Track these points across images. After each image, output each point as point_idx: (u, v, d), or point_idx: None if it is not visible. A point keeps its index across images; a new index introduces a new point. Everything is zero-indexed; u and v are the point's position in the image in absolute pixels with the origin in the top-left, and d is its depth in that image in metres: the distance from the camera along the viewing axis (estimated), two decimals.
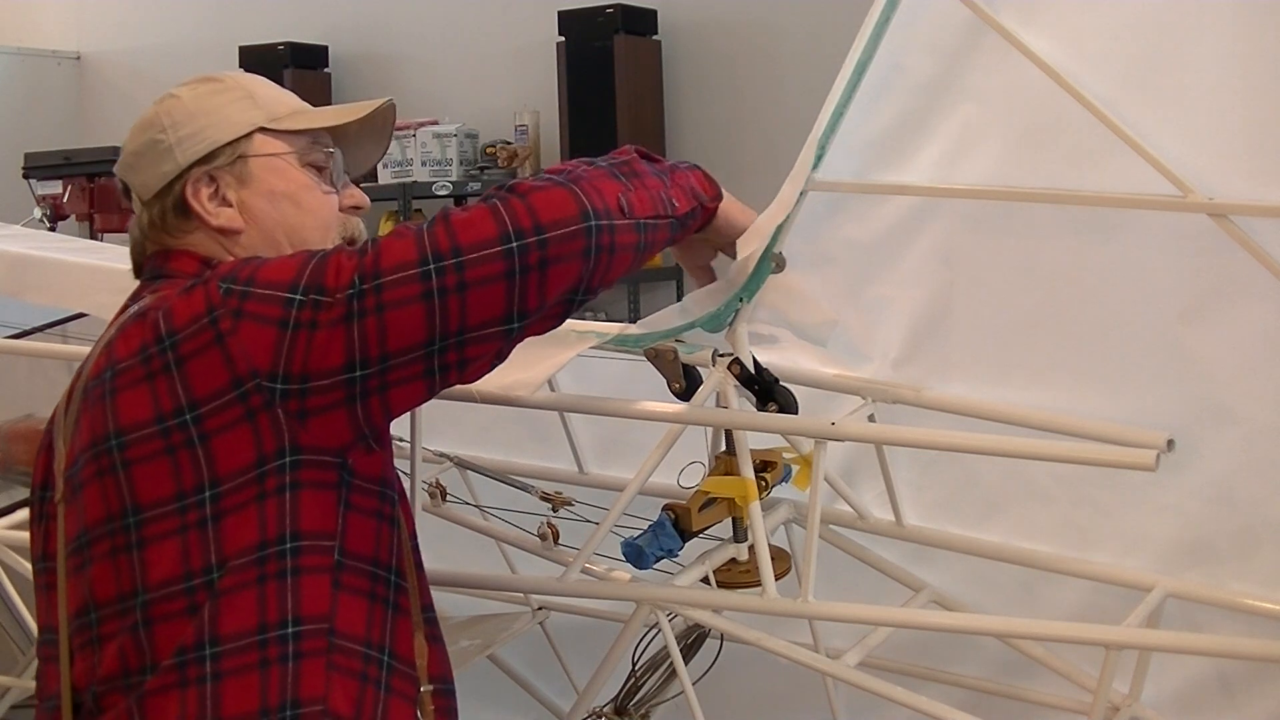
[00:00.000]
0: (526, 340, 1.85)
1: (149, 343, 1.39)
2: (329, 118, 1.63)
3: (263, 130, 1.58)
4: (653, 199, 1.54)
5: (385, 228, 5.80)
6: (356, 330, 1.36)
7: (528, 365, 1.83)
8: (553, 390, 2.00)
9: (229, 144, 1.56)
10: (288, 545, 1.37)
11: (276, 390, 1.36)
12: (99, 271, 2.32)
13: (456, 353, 1.41)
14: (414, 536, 1.53)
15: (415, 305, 1.36)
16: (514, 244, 1.38)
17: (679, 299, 4.35)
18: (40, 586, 1.51)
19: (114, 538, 1.38)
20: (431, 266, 1.37)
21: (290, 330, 1.36)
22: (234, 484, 1.36)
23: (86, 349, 2.45)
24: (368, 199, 1.67)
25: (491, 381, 1.81)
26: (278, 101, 1.62)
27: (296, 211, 1.59)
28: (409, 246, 1.38)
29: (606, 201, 1.46)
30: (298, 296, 1.37)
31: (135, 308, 1.47)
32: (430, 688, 1.48)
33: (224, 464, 1.36)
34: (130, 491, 1.37)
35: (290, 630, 1.37)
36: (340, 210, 1.62)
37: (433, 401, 1.86)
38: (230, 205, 1.56)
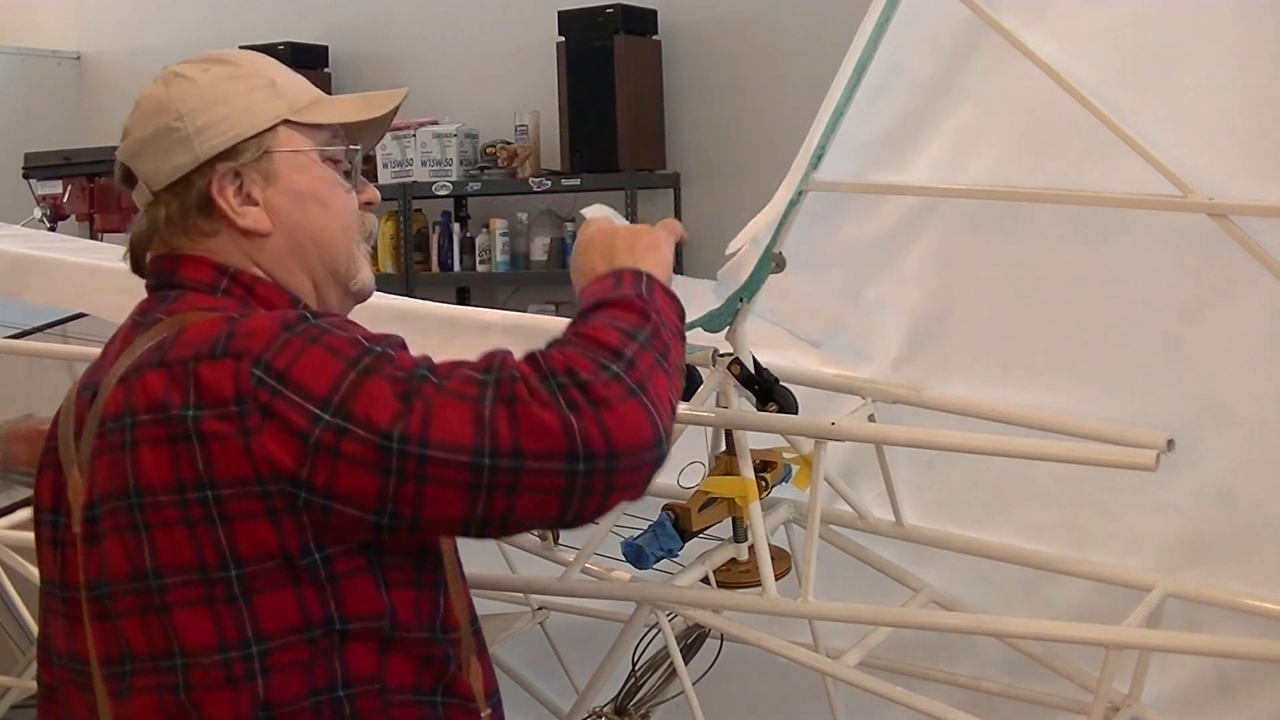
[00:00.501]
0: (526, 341, 1.85)
1: (172, 404, 1.31)
2: (350, 110, 1.54)
3: (286, 123, 1.48)
4: (680, 372, 1.42)
5: (385, 228, 5.80)
6: (392, 486, 1.26)
7: None
8: None
9: (253, 137, 1.46)
10: (336, 628, 1.32)
11: (300, 497, 1.28)
12: (99, 271, 2.32)
13: (497, 531, 1.35)
14: (455, 549, 1.48)
15: (460, 492, 1.26)
16: (580, 466, 1.26)
17: None
18: (58, 612, 1.44)
19: (141, 596, 1.32)
20: (486, 461, 1.25)
21: (313, 450, 1.27)
22: (260, 568, 1.30)
23: (86, 349, 2.47)
24: (379, 194, 1.60)
25: None
26: (298, 90, 1.52)
27: (322, 213, 1.50)
28: (466, 427, 1.25)
29: (665, 408, 1.33)
30: (325, 416, 1.27)
31: (155, 348, 1.36)
32: (488, 711, 1.45)
33: (246, 549, 1.29)
34: (152, 554, 1.31)
35: (342, 693, 1.34)
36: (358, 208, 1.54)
37: None
38: (256, 204, 1.46)
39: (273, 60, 1.54)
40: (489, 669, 1.48)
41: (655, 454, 1.30)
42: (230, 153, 1.45)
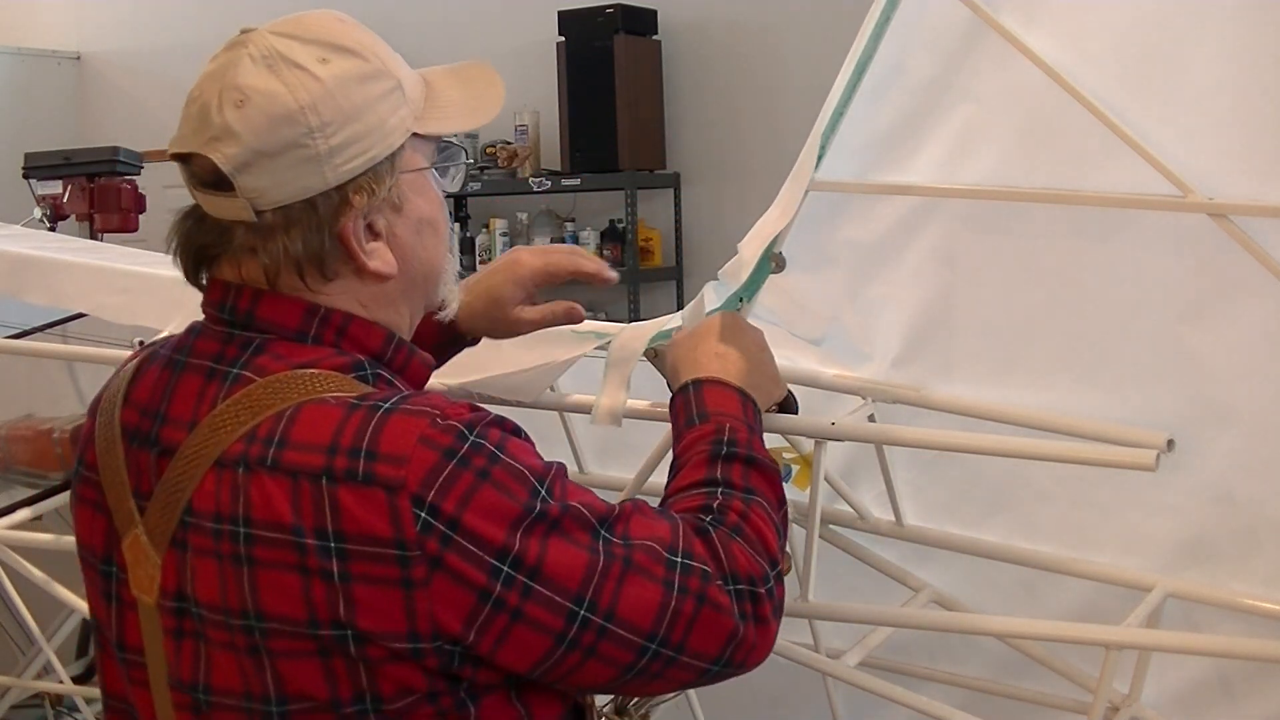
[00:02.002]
0: (528, 342, 1.85)
1: (304, 528, 1.16)
2: (465, 113, 1.35)
3: (412, 135, 1.29)
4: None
5: None
6: (559, 654, 1.20)
7: (530, 369, 1.83)
8: (553, 390, 2.00)
9: (386, 159, 1.26)
10: None
11: (456, 653, 1.19)
12: (99, 271, 2.32)
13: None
14: None
15: (615, 670, 1.23)
16: (716, 669, 1.29)
17: (679, 300, 4.34)
18: (115, 659, 1.34)
19: (255, 716, 1.22)
20: (652, 648, 1.23)
21: (490, 607, 1.17)
22: (402, 704, 1.20)
23: (86, 349, 2.46)
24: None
25: (495, 384, 1.82)
26: (412, 84, 1.30)
27: (435, 241, 1.34)
28: (650, 612, 1.22)
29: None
30: (505, 568, 1.17)
31: (259, 436, 1.20)
32: None
33: (387, 689, 1.19)
34: (276, 680, 1.20)
35: None
36: None
37: None
38: (379, 236, 1.28)
39: (372, 33, 1.31)
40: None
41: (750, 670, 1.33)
42: (364, 178, 1.25)
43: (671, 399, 1.52)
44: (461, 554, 1.16)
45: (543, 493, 1.21)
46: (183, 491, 1.23)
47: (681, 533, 1.27)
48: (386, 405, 1.21)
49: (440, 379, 1.84)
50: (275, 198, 1.23)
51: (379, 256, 1.27)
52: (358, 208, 1.25)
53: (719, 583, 1.26)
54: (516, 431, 1.27)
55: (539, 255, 1.66)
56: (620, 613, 1.21)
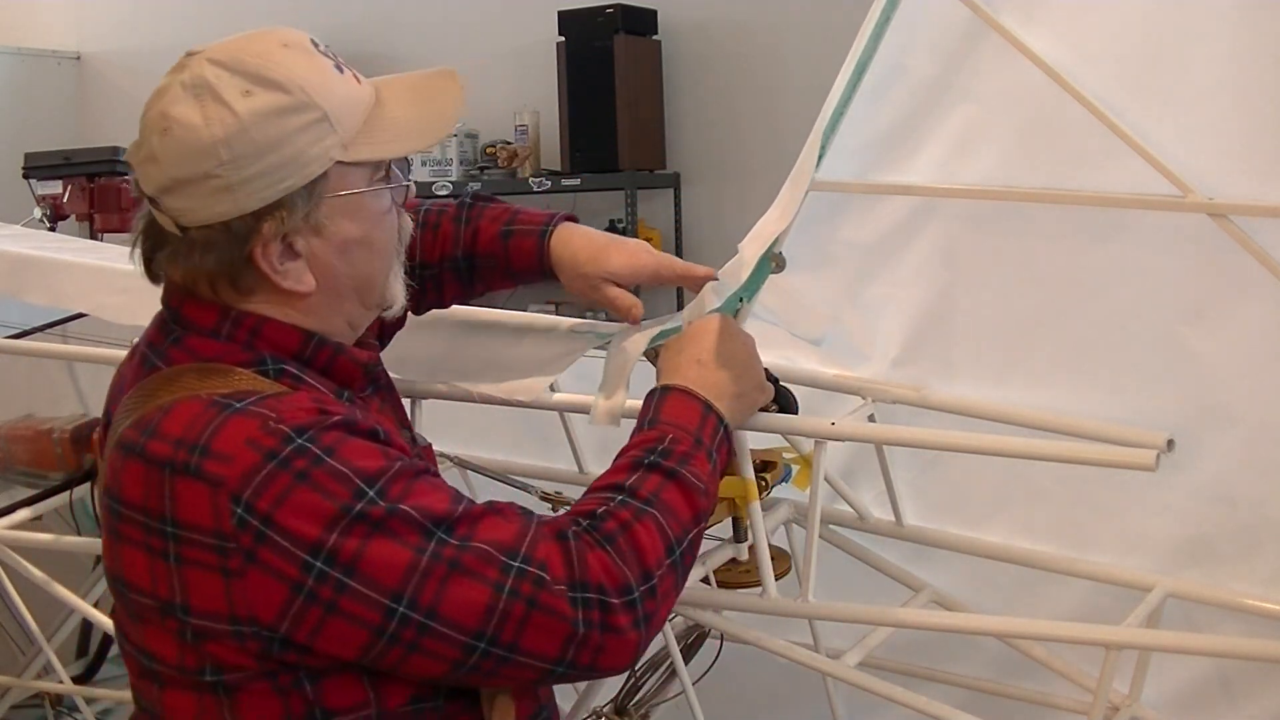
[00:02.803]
0: (527, 341, 1.85)
1: (150, 510, 1.27)
2: (411, 135, 1.39)
3: (339, 163, 1.34)
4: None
5: None
6: (380, 647, 1.26)
7: (530, 369, 1.83)
8: (553, 390, 2.00)
9: (304, 187, 1.32)
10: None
11: (275, 640, 1.26)
12: (99, 271, 2.32)
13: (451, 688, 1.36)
14: None
15: (443, 665, 1.27)
16: (558, 670, 1.30)
17: (679, 300, 4.33)
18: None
19: (139, 663, 1.37)
20: (481, 646, 1.27)
21: (303, 599, 1.24)
22: (239, 676, 1.29)
23: (86, 349, 2.47)
24: (412, 186, 1.47)
25: (493, 383, 1.82)
26: (348, 112, 1.34)
27: (368, 257, 1.40)
28: (476, 612, 1.26)
29: (658, 628, 1.38)
30: (318, 564, 1.23)
31: (144, 424, 1.30)
32: None
33: (226, 661, 1.28)
34: (144, 641, 1.34)
35: None
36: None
37: (433, 401, 1.87)
38: (298, 256, 1.35)
39: (314, 60, 1.35)
40: (526, 700, 1.44)
41: (618, 673, 1.37)
42: (278, 205, 1.32)
43: (644, 400, 1.56)
44: (274, 549, 1.23)
45: (370, 494, 1.25)
46: (104, 469, 1.36)
47: (530, 537, 1.30)
48: (237, 405, 1.29)
49: (436, 376, 1.84)
50: (195, 219, 1.33)
51: (294, 276, 1.35)
52: (267, 234, 1.32)
53: (560, 588, 1.28)
54: (374, 434, 1.32)
55: (659, 255, 1.75)
56: (443, 611, 1.25)
